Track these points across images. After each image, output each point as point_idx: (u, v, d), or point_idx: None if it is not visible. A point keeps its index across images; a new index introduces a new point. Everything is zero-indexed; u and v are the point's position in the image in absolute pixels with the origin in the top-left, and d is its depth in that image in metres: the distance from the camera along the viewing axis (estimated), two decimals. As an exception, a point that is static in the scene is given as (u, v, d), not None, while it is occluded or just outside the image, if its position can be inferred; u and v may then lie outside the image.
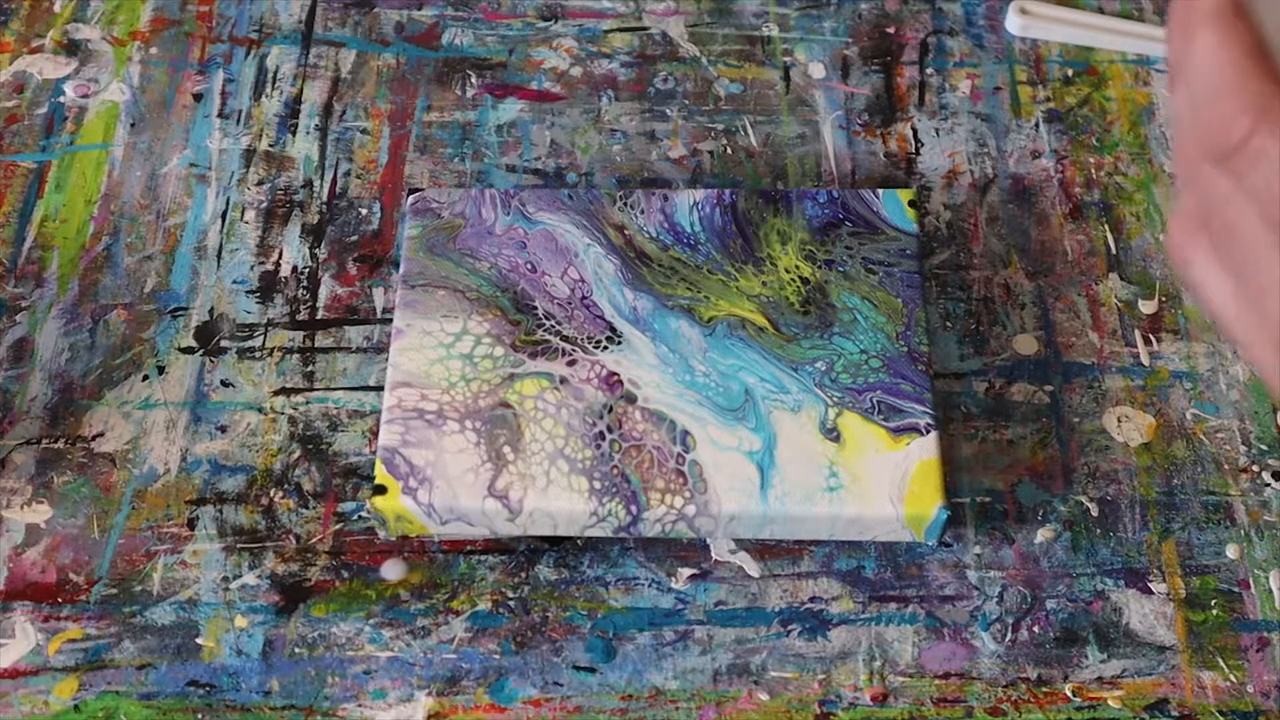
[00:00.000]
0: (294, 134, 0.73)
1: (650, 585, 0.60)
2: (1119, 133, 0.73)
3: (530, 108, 0.74)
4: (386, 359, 0.63)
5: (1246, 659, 0.58)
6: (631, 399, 0.60)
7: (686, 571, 0.60)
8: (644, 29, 0.77)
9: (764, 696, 0.57)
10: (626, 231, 0.65)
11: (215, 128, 0.73)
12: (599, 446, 0.59)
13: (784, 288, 0.63)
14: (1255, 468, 0.62)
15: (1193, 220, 0.43)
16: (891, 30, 0.77)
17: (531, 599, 0.59)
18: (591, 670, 0.58)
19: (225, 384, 0.65)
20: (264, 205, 0.70)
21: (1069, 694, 0.57)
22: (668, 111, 0.74)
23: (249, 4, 0.78)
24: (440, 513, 0.58)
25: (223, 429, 0.63)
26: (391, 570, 0.60)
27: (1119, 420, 0.64)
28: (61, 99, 0.74)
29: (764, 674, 0.58)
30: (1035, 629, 0.59)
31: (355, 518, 0.61)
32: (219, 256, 0.68)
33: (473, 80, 0.75)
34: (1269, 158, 0.39)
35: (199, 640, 0.58)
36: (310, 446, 0.63)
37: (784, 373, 0.60)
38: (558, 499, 0.58)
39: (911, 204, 0.66)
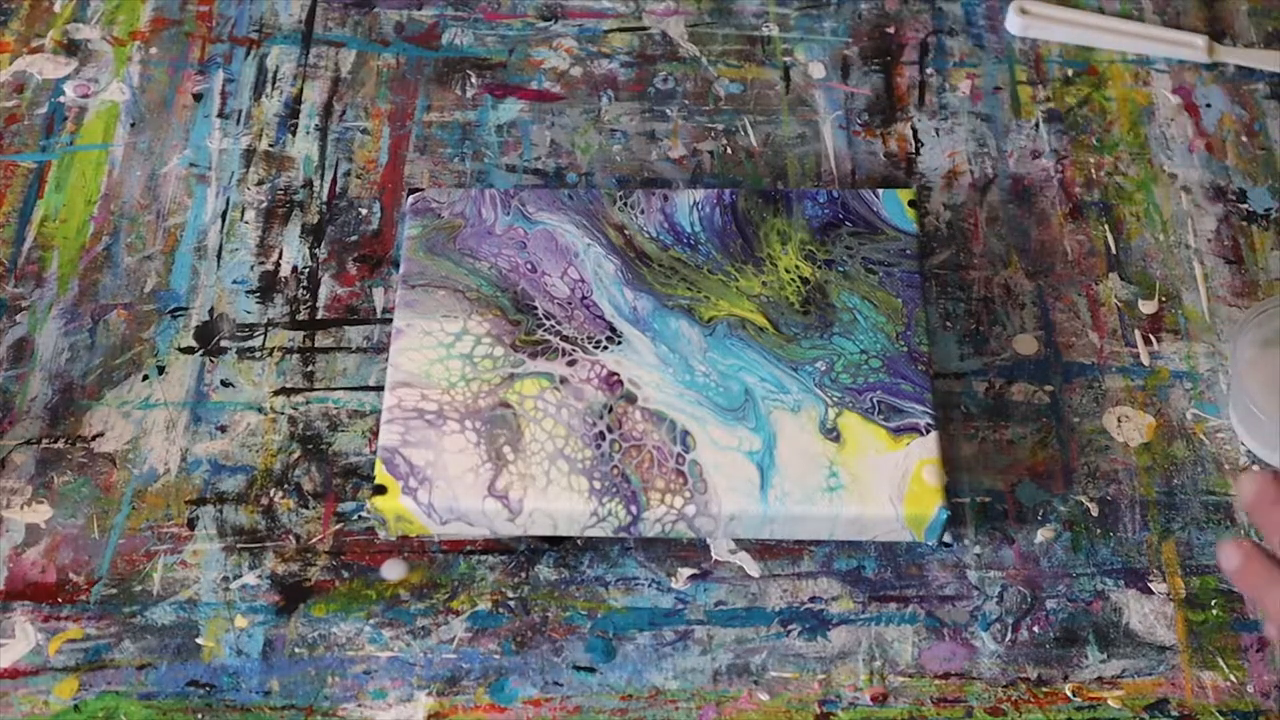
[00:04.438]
0: (294, 134, 0.73)
1: (650, 585, 0.60)
2: (1119, 133, 0.73)
3: (530, 108, 0.74)
4: (386, 359, 0.63)
5: (1246, 659, 0.58)
6: (631, 399, 0.60)
7: (686, 571, 0.60)
8: (644, 29, 0.77)
9: (764, 696, 0.57)
10: (626, 231, 0.65)
11: (215, 128, 0.73)
12: (599, 446, 0.59)
13: (784, 288, 0.63)
14: (1255, 467, 0.62)
15: None
16: (891, 30, 0.77)
17: (531, 599, 0.59)
18: (591, 670, 0.58)
19: (225, 384, 0.65)
20: (264, 205, 0.70)
21: (1069, 694, 0.57)
22: (668, 111, 0.74)
23: (249, 4, 0.78)
24: (440, 513, 0.58)
25: (223, 429, 0.63)
26: (391, 570, 0.60)
27: (1119, 420, 0.64)
28: (61, 99, 0.74)
29: (764, 674, 0.58)
30: (1035, 629, 0.59)
31: (355, 518, 0.61)
32: (219, 256, 0.68)
33: (473, 80, 0.75)
34: None
35: (199, 640, 0.58)
36: (310, 446, 0.63)
37: (784, 373, 0.60)
38: (558, 499, 0.58)
39: (911, 204, 0.66)
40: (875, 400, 0.60)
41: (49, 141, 0.72)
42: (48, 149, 0.72)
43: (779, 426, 0.59)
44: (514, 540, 0.61)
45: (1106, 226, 0.70)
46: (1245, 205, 0.70)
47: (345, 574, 0.60)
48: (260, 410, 0.64)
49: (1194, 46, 0.76)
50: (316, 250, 0.69)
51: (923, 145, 0.72)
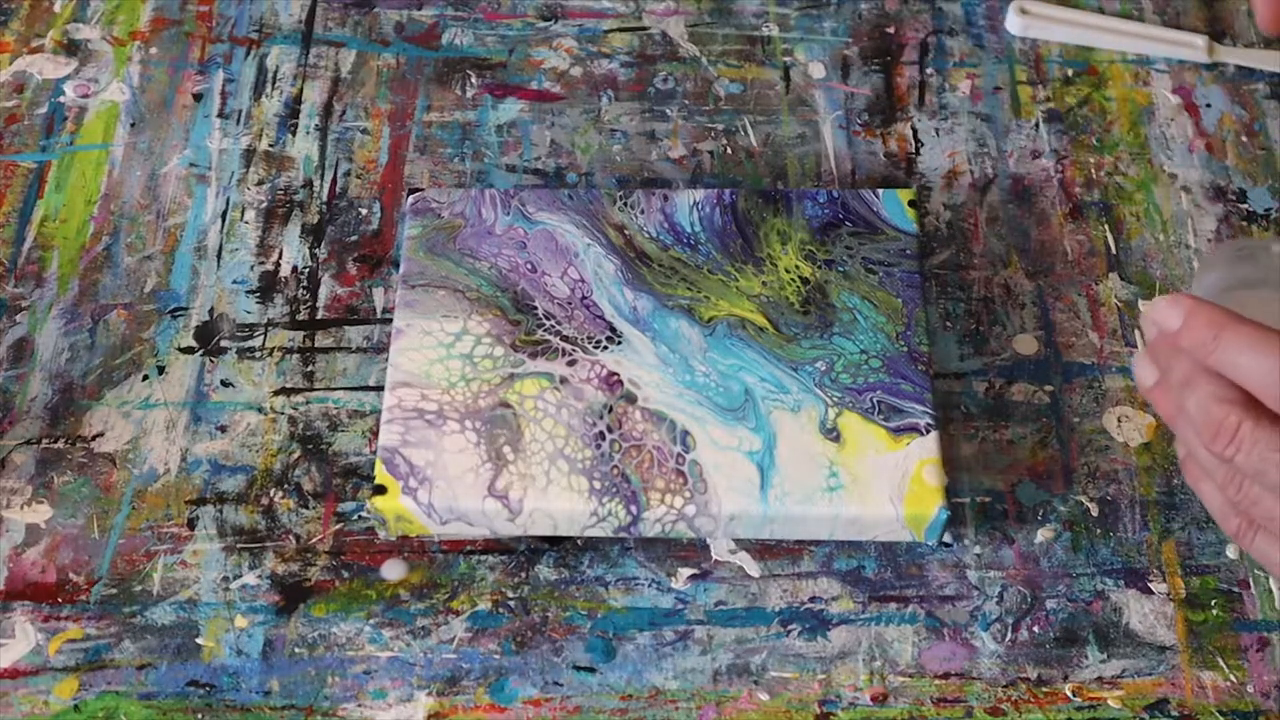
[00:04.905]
0: (294, 134, 0.73)
1: (650, 585, 0.60)
2: (1119, 133, 0.73)
3: (530, 108, 0.74)
4: (386, 359, 0.63)
5: (1246, 659, 0.58)
6: (631, 399, 0.60)
7: (686, 571, 0.60)
8: (644, 29, 0.77)
9: (764, 696, 0.57)
10: (626, 231, 0.65)
11: (215, 128, 0.73)
12: (599, 446, 0.59)
13: (784, 288, 0.63)
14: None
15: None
16: (891, 30, 0.77)
17: (531, 599, 0.59)
18: (591, 670, 0.58)
19: (225, 384, 0.65)
20: (264, 205, 0.70)
21: (1069, 694, 0.57)
22: (668, 111, 0.74)
23: (249, 4, 0.78)
24: (440, 513, 0.58)
25: (223, 429, 0.63)
26: (391, 570, 0.60)
27: (1119, 420, 0.64)
28: (61, 99, 0.74)
29: (764, 674, 0.58)
30: (1035, 629, 0.59)
31: (355, 518, 0.61)
32: (219, 256, 0.68)
33: (473, 80, 0.75)
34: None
35: (199, 640, 0.58)
36: (310, 446, 0.63)
37: (784, 373, 0.60)
38: (558, 499, 0.58)
39: (911, 204, 0.66)
40: (875, 400, 0.60)
41: (49, 141, 0.72)
42: (48, 149, 0.72)
43: (779, 426, 0.59)
44: (514, 540, 0.61)
45: (1106, 226, 0.70)
46: (1245, 205, 0.70)
47: (345, 574, 0.60)
48: (260, 410, 0.64)
49: (1194, 46, 0.76)
50: (316, 250, 0.69)
51: (923, 145, 0.72)
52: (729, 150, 0.72)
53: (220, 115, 0.73)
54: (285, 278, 0.68)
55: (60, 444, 0.63)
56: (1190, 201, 0.70)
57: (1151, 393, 0.50)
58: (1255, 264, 0.53)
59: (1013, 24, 0.77)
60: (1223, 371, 0.46)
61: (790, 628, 0.59)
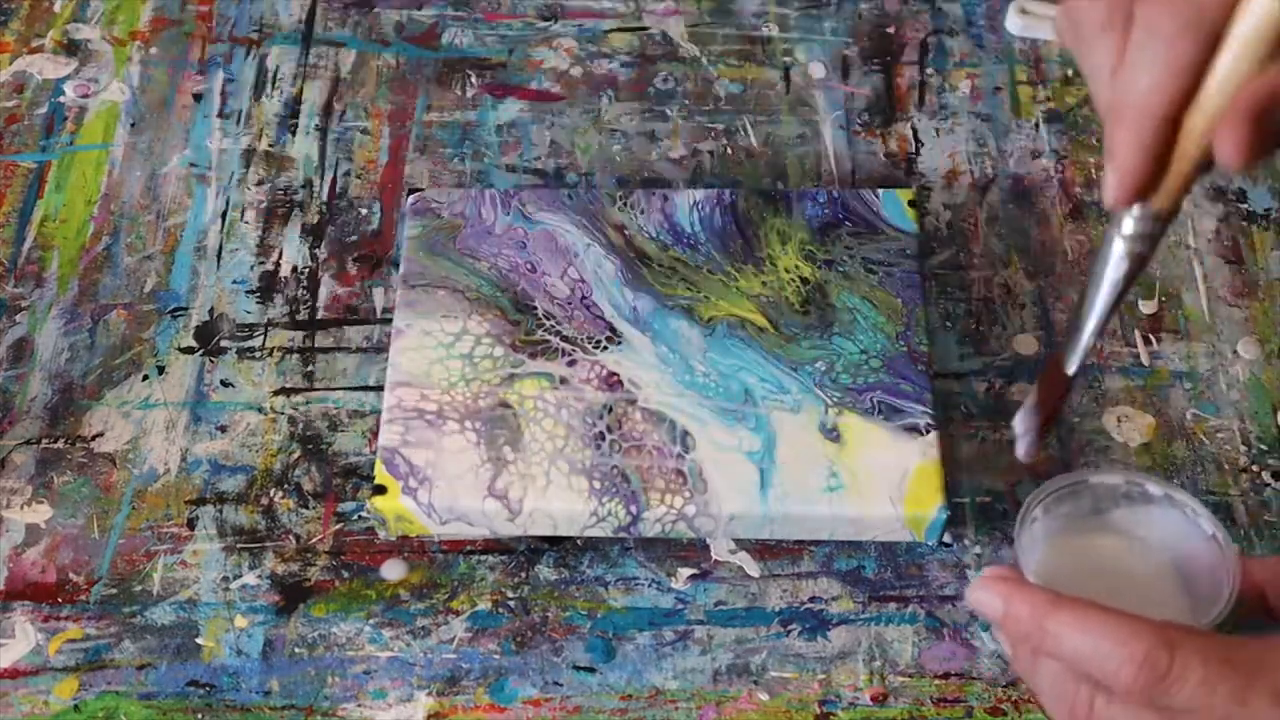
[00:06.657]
0: (294, 134, 0.73)
1: (650, 585, 0.60)
2: (1119, 133, 0.73)
3: (530, 108, 0.74)
4: (386, 359, 0.63)
5: (1246, 659, 0.58)
6: (631, 399, 0.60)
7: (686, 571, 0.60)
8: (644, 29, 0.77)
9: (764, 696, 0.57)
10: (626, 231, 0.65)
11: (215, 128, 0.73)
12: (599, 446, 0.59)
13: (784, 288, 0.63)
14: (1255, 468, 0.62)
15: None
16: (891, 30, 0.77)
17: (531, 599, 0.59)
18: (591, 670, 0.58)
19: (225, 384, 0.65)
20: (264, 205, 0.70)
21: (1069, 694, 0.57)
22: (668, 111, 0.74)
23: (249, 4, 0.78)
24: (440, 513, 0.58)
25: (223, 429, 0.63)
26: (391, 570, 0.60)
27: (1119, 420, 0.64)
28: (61, 99, 0.74)
29: (764, 674, 0.58)
30: (1035, 629, 0.59)
31: (355, 518, 0.61)
32: (219, 256, 0.68)
33: (473, 80, 0.75)
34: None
35: (199, 640, 0.58)
36: (310, 446, 0.63)
37: (784, 373, 0.60)
38: (558, 499, 0.57)
39: (911, 204, 0.66)
40: (875, 400, 0.60)
41: (49, 141, 0.72)
42: (48, 149, 0.72)
43: (779, 427, 0.59)
44: (514, 540, 0.61)
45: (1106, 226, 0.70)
46: (1245, 205, 0.70)
47: (345, 574, 0.60)
48: (260, 410, 0.64)
49: (1194, 46, 0.75)
50: (316, 250, 0.69)
51: (923, 145, 0.72)
52: (729, 150, 0.72)
53: (220, 115, 0.73)
54: (285, 278, 0.68)
55: (60, 444, 0.63)
56: (1190, 201, 0.70)
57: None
58: (1077, 501, 0.52)
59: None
60: (1059, 659, 0.44)
61: (790, 628, 0.59)
